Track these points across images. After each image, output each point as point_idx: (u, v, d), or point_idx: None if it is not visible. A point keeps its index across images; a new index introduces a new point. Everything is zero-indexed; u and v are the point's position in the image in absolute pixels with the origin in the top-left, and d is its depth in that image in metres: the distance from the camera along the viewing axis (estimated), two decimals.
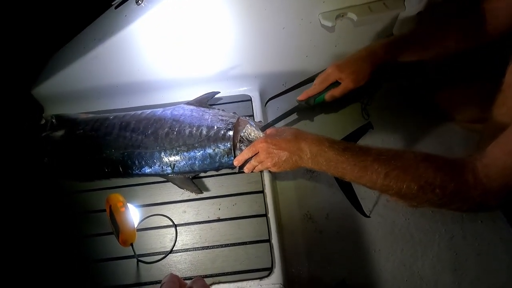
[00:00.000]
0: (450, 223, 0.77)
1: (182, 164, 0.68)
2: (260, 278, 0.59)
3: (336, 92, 0.71)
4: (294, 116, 0.95)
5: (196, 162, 0.68)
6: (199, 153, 0.67)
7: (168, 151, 0.67)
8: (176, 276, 0.34)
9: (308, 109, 0.78)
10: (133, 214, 0.58)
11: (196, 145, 0.67)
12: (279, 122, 0.77)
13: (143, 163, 0.68)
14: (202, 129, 0.68)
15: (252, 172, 0.68)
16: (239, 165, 0.68)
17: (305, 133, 0.61)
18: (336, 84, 0.71)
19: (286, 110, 0.80)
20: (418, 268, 0.73)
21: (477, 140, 0.64)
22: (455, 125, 0.90)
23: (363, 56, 0.68)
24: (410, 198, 0.49)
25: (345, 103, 0.98)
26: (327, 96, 0.73)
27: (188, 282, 0.43)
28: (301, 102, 0.76)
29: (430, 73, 0.93)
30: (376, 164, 0.50)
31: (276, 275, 0.60)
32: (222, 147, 0.67)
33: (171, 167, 0.68)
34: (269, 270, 0.60)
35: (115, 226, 0.54)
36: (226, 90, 0.86)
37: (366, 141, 0.78)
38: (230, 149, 0.67)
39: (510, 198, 0.43)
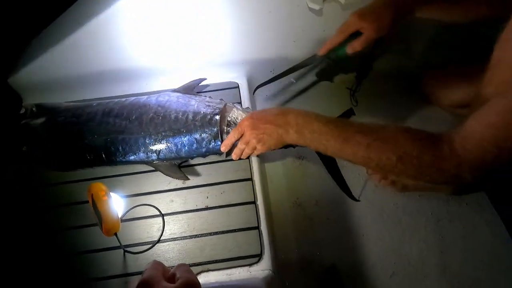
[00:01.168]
0: (436, 206, 0.78)
1: (167, 149, 0.66)
2: (250, 265, 0.59)
3: (357, 43, 0.68)
4: (282, 101, 0.95)
5: (182, 147, 0.66)
6: (185, 138, 0.66)
7: (153, 136, 0.65)
8: (160, 263, 0.33)
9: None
10: (117, 203, 0.56)
11: (182, 130, 0.66)
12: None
13: (127, 149, 0.66)
14: (188, 114, 0.67)
15: (240, 158, 0.67)
16: (226, 150, 0.67)
17: (292, 108, 0.61)
18: (357, 34, 0.68)
19: (275, 97, 0.79)
20: (405, 251, 0.74)
21: None
22: (443, 110, 0.91)
23: (385, 3, 0.65)
24: (389, 169, 0.49)
25: (327, 89, 0.98)
26: (349, 48, 0.69)
27: None
28: (323, 57, 0.72)
29: (416, 58, 0.94)
30: (359, 136, 0.50)
31: (266, 262, 0.59)
32: (208, 132, 0.66)
33: (156, 153, 0.66)
34: (259, 256, 0.60)
35: (98, 216, 0.53)
36: (213, 78, 0.84)
37: None
38: (217, 134, 0.66)
39: (490, 176, 0.44)
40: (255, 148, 0.64)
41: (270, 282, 0.59)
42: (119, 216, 0.55)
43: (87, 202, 0.56)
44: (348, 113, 0.82)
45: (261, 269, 0.59)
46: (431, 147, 0.46)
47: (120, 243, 0.58)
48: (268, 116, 0.60)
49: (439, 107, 0.91)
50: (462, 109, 0.85)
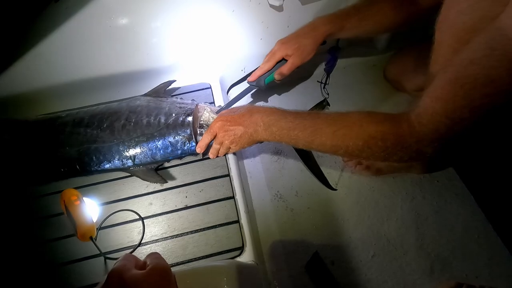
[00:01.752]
0: (410, 186, 0.82)
1: (142, 155, 0.66)
2: (232, 258, 0.60)
3: (284, 69, 0.72)
4: (254, 100, 0.97)
5: (157, 151, 0.66)
6: (159, 142, 0.66)
7: (126, 142, 0.65)
8: (131, 255, 0.34)
9: (260, 91, 0.78)
10: (91, 207, 0.55)
11: (155, 134, 0.66)
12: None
13: (102, 158, 0.65)
14: (160, 118, 0.67)
15: (217, 157, 0.68)
16: (202, 151, 0.68)
17: (258, 106, 0.62)
18: (283, 61, 0.72)
19: (250, 94, 0.81)
20: (384, 231, 0.76)
21: None
22: (409, 96, 0.95)
23: (306, 32, 0.70)
24: (358, 154, 0.51)
25: (300, 83, 1.00)
26: (276, 74, 0.73)
27: None
28: (252, 83, 0.76)
29: (379, 48, 0.98)
30: (324, 126, 0.52)
31: (248, 253, 0.60)
32: (182, 133, 0.67)
33: (131, 159, 0.66)
34: (241, 249, 0.61)
35: (72, 221, 0.52)
36: (184, 80, 0.85)
37: None
38: (190, 135, 0.67)
39: (449, 147, 0.46)
40: (229, 148, 0.65)
41: (254, 272, 0.59)
42: (95, 221, 0.55)
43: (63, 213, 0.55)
44: (322, 104, 0.84)
45: (244, 261, 0.60)
46: (392, 127, 0.48)
47: (99, 249, 0.57)
48: (236, 117, 0.62)
49: (405, 93, 0.95)
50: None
